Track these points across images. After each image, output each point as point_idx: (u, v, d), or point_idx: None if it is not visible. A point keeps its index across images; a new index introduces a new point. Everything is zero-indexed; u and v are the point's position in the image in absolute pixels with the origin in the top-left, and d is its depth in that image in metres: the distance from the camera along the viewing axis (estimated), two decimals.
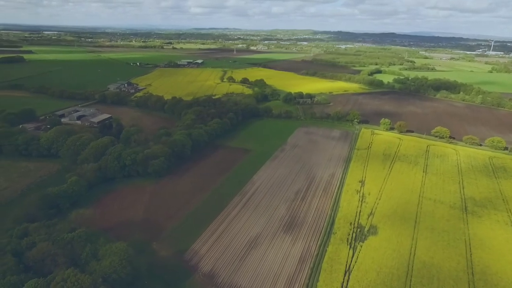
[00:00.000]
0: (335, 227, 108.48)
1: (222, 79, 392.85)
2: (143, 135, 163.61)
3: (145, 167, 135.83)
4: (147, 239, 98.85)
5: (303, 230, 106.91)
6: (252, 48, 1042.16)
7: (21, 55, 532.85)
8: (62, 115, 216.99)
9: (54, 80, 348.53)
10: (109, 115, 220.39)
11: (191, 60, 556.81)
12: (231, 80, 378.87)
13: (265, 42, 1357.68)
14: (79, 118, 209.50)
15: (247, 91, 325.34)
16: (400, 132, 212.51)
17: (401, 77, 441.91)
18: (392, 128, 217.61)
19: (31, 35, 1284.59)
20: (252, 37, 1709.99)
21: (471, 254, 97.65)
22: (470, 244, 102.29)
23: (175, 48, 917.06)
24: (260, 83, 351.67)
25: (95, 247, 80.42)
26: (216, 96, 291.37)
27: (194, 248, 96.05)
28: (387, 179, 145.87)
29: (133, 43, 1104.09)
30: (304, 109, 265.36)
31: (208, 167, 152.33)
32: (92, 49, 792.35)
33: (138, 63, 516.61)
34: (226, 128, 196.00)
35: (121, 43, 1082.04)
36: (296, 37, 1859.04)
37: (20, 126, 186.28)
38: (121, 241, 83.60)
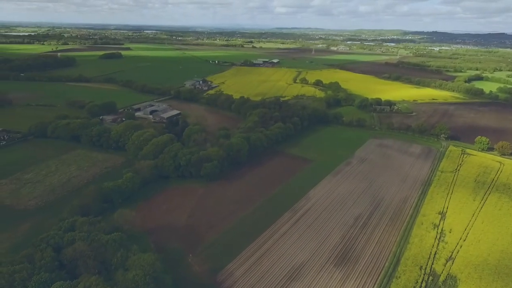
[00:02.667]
0: (399, 270, 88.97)
1: (295, 80, 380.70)
2: (203, 135, 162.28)
3: (198, 169, 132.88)
4: (184, 249, 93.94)
5: (358, 267, 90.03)
6: (332, 48, 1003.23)
7: (120, 51, 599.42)
8: (138, 109, 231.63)
9: (141, 75, 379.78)
10: (179, 112, 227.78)
11: (267, 59, 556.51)
12: (304, 81, 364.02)
13: (348, 42, 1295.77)
14: (151, 112, 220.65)
15: (319, 94, 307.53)
16: (502, 154, 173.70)
17: (509, 86, 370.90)
18: (491, 149, 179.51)
19: (134, 34, 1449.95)
20: (334, 37, 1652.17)
21: None
22: None
23: (255, 47, 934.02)
24: (334, 86, 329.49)
25: (126, 254, 77.88)
26: (285, 98, 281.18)
27: (230, 268, 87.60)
28: (478, 214, 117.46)
29: (217, 41, 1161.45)
30: (381, 118, 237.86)
31: (262, 175, 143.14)
32: (179, 47, 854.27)
33: (216, 61, 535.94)
34: (289, 133, 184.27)
35: (206, 41, 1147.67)
36: (383, 37, 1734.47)
37: (101, 117, 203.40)
38: (150, 253, 79.60)
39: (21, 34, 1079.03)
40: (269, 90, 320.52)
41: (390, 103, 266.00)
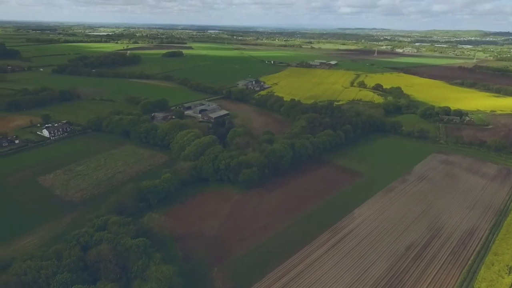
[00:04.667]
0: None
1: (352, 83, 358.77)
2: (246, 138, 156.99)
3: (237, 175, 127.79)
4: (210, 261, 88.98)
5: None
6: (397, 50, 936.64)
7: (182, 50, 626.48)
8: (189, 107, 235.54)
9: (198, 73, 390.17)
10: (227, 112, 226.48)
11: (324, 61, 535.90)
12: (362, 85, 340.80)
13: (416, 44, 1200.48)
14: (201, 112, 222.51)
15: (378, 99, 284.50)
16: None
17: None
18: None
19: (198, 33, 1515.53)
20: (401, 38, 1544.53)
21: None
22: None
23: (313, 48, 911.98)
24: (396, 91, 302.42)
25: (147, 263, 75.04)
26: (340, 102, 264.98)
27: None
28: None
29: (276, 41, 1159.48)
30: (448, 129, 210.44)
31: (304, 186, 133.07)
32: (239, 47, 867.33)
33: (272, 62, 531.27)
34: (338, 142, 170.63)
35: (265, 41, 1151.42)
36: (458, 39, 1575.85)
37: (152, 114, 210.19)
38: (169, 265, 75.44)
39: (101, 34, 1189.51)
40: (323, 93, 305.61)
41: (460, 113, 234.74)
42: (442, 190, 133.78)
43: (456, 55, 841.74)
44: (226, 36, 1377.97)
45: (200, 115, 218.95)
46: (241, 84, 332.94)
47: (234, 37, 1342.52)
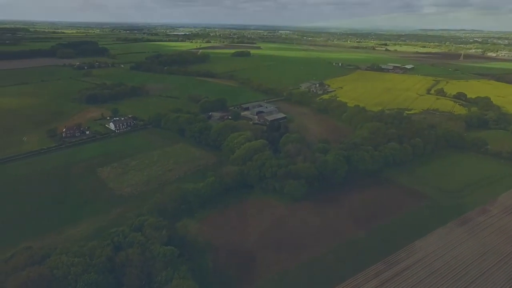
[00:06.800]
0: None
1: (428, 90, 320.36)
2: (298, 146, 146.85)
3: (283, 185, 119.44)
4: (240, 279, 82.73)
5: None
6: (490, 54, 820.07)
7: (250, 50, 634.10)
8: (247, 108, 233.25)
9: (261, 73, 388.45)
10: (284, 116, 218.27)
11: (399, 65, 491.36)
12: (440, 93, 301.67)
13: None
14: (257, 113, 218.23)
15: (459, 110, 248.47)
16: None
17: None
18: None
19: (269, 33, 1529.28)
20: (496, 40, 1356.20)
21: None
22: None
23: (388, 50, 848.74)
24: (483, 102, 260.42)
25: (172, 275, 71.42)
26: (411, 112, 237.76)
27: None
28: None
29: (347, 43, 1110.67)
30: None
31: (357, 205, 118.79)
32: (307, 47, 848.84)
33: (340, 64, 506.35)
34: (404, 157, 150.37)
35: (336, 42, 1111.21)
36: None
37: (210, 113, 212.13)
38: (191, 282, 70.21)
39: (179, 33, 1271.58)
40: (393, 100, 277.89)
41: None
42: None
43: None
44: (296, 36, 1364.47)
45: (256, 116, 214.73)
46: (304, 86, 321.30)
47: (304, 37, 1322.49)
